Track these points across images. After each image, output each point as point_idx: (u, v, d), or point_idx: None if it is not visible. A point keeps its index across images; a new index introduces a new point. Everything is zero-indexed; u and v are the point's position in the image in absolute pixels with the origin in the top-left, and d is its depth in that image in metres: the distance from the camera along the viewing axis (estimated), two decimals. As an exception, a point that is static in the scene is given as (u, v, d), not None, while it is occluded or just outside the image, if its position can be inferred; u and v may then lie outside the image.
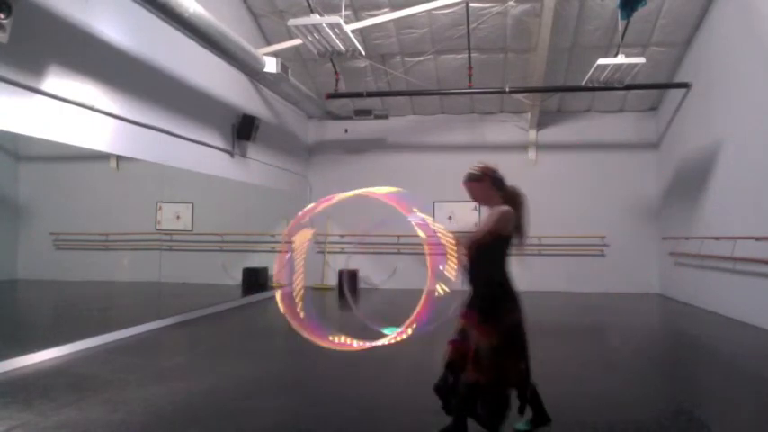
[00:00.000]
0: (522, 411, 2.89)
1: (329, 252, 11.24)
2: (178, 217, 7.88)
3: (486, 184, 2.90)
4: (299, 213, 2.77)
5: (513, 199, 2.90)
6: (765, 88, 6.49)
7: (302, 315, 2.54)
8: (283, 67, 7.44)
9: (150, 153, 6.24)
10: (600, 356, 5.32)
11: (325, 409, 3.49)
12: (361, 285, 10.92)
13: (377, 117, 10.61)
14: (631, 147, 10.57)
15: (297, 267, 2.70)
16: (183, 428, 3.18)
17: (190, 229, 8.02)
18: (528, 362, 2.85)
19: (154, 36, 6.16)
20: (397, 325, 2.60)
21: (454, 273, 2.56)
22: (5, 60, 4.29)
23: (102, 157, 5.87)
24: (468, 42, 8.56)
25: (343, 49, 6.26)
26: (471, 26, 8.36)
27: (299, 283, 2.63)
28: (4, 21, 4.00)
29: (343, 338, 2.61)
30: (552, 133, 10.80)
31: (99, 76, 5.38)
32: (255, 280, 9.48)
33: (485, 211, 2.95)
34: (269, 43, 8.78)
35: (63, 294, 6.67)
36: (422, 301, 2.59)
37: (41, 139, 4.71)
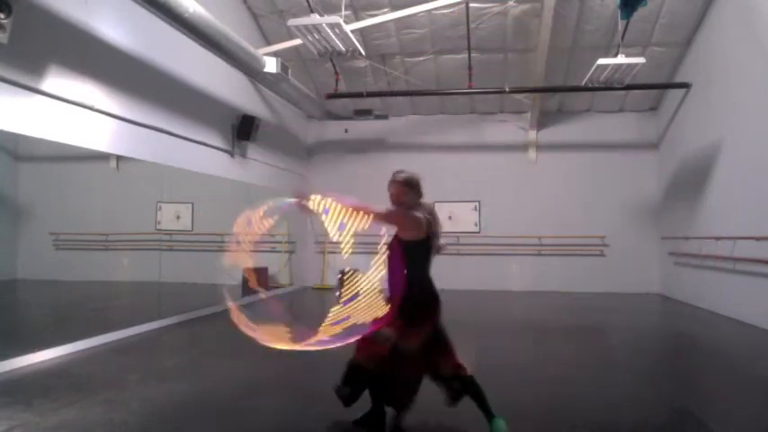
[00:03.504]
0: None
1: (329, 252, 11.24)
2: (178, 217, 7.87)
3: (415, 194, 3.13)
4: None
5: (427, 209, 3.12)
6: (765, 88, 6.50)
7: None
8: (283, 67, 7.45)
9: (150, 153, 6.24)
10: (600, 356, 5.31)
11: (325, 409, 3.48)
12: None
13: (377, 117, 10.61)
14: (631, 147, 10.57)
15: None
16: (184, 428, 3.18)
17: (190, 229, 8.01)
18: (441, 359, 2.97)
19: (154, 36, 6.16)
20: None
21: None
22: (5, 60, 4.29)
23: (102, 157, 5.87)
24: (468, 42, 8.56)
25: (343, 49, 6.26)
26: (471, 26, 8.36)
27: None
28: (4, 21, 4.01)
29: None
30: (552, 133, 10.79)
31: (99, 76, 5.38)
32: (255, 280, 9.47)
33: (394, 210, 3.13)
34: (269, 43, 8.78)
35: (63, 294, 6.66)
36: None
37: (41, 139, 4.71)
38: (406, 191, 3.09)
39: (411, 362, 2.89)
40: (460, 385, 2.96)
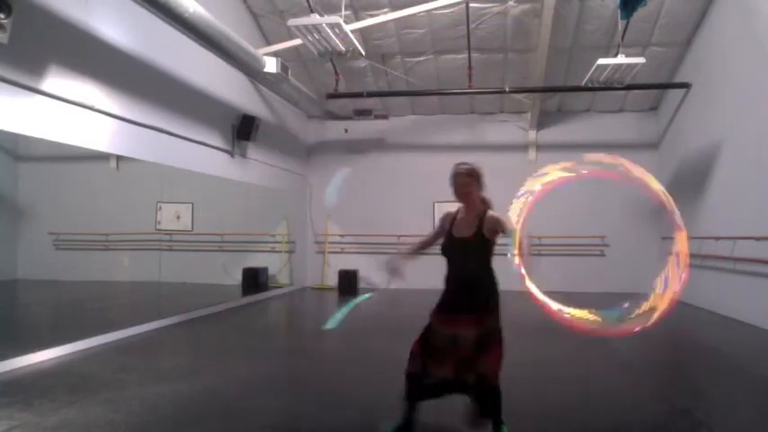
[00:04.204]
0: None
1: (329, 252, 11.25)
2: (178, 217, 7.88)
3: (480, 185, 3.06)
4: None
5: (488, 203, 3.05)
6: (765, 88, 6.50)
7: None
8: (283, 67, 7.44)
9: (150, 153, 6.23)
10: (600, 357, 5.31)
11: (325, 410, 3.49)
12: (361, 285, 10.93)
13: (377, 117, 10.61)
14: (631, 147, 10.55)
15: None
16: (184, 428, 3.17)
17: (190, 229, 8.02)
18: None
19: (154, 36, 6.16)
20: None
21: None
22: (5, 60, 4.28)
23: (102, 157, 5.87)
24: (468, 42, 8.56)
25: (343, 49, 6.26)
26: (471, 26, 8.36)
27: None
28: (4, 21, 4.01)
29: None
30: (552, 133, 10.79)
31: (99, 76, 5.38)
32: (255, 280, 9.48)
33: (464, 208, 3.07)
34: (269, 43, 8.78)
35: (63, 294, 6.67)
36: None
37: (41, 139, 4.71)
38: (471, 182, 3.02)
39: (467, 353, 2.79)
40: (482, 389, 2.84)
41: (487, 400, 2.87)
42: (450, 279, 2.97)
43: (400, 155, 11.17)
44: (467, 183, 3.01)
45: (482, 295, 2.88)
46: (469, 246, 2.93)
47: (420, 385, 2.89)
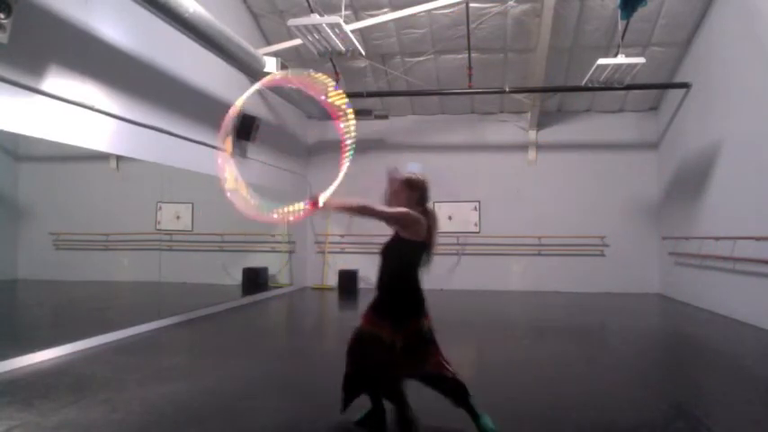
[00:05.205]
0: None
1: (329, 252, 11.25)
2: (178, 217, 7.87)
3: (414, 196, 2.97)
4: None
5: (430, 215, 2.99)
6: (765, 88, 6.50)
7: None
8: (283, 67, 7.44)
9: (150, 153, 6.24)
10: (600, 356, 5.32)
11: (325, 410, 3.49)
12: (361, 285, 10.93)
13: (377, 117, 10.62)
14: (631, 147, 10.57)
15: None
16: (184, 428, 3.18)
17: (190, 229, 8.01)
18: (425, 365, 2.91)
19: (154, 36, 6.16)
20: None
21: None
22: (5, 60, 4.29)
23: (102, 157, 5.87)
24: (468, 42, 8.56)
25: (343, 49, 6.26)
26: (471, 26, 8.37)
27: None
28: (4, 21, 4.01)
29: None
30: (552, 133, 10.80)
31: (99, 76, 5.38)
32: (255, 280, 9.48)
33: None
34: (269, 43, 8.79)
35: (63, 294, 6.66)
36: None
37: (41, 139, 4.72)
38: (402, 191, 2.96)
39: (396, 359, 2.79)
40: (446, 385, 2.93)
41: (447, 389, 2.94)
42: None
43: (400, 155, 11.16)
44: (394, 191, 3.01)
45: (394, 302, 2.87)
46: (385, 250, 2.97)
47: (354, 382, 3.00)
